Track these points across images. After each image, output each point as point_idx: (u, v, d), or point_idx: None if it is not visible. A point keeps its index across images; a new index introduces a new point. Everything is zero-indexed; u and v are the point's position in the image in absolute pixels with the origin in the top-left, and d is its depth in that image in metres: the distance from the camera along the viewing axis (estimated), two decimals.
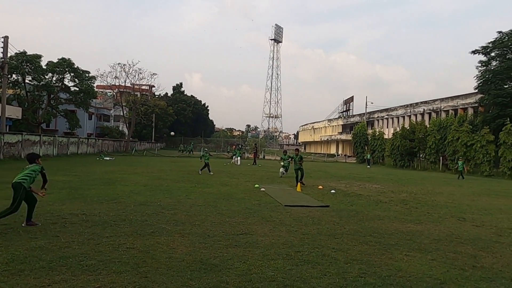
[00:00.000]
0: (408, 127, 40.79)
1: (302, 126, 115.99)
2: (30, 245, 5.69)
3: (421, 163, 38.80)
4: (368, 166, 39.20)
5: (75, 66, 40.34)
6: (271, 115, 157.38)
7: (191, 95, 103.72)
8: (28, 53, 36.22)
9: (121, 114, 63.34)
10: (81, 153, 37.70)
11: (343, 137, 73.76)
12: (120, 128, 70.87)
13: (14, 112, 33.89)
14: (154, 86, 76.97)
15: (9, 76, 33.87)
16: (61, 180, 14.76)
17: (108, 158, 33.22)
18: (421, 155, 39.09)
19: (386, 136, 47.20)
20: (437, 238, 7.33)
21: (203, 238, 6.54)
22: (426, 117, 49.50)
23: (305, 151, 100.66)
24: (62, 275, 4.53)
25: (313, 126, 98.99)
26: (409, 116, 53.86)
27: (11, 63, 32.59)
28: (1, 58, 25.96)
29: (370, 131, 54.17)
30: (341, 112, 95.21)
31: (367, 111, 65.12)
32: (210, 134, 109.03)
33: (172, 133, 78.80)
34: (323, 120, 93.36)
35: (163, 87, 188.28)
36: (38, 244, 5.76)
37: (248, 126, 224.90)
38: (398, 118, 57.68)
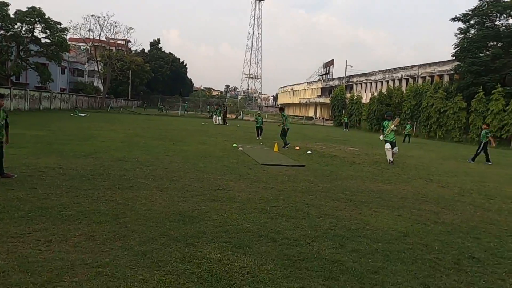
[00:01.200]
0: (385, 92, 41.36)
1: (281, 88, 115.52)
2: (7, 196, 5.71)
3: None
4: (345, 130, 39.90)
5: (46, 17, 38.17)
6: (251, 76, 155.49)
7: (169, 52, 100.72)
8: None
9: (96, 69, 61.14)
10: (54, 109, 36.62)
11: (322, 100, 74.06)
12: (95, 84, 68.64)
13: None
14: (130, 41, 73.81)
15: None
16: (35, 134, 14.46)
17: (83, 115, 32.46)
18: None
19: (364, 101, 47.76)
20: (404, 197, 7.76)
21: (182, 193, 6.70)
22: (404, 82, 50.08)
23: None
24: (42, 224, 4.62)
25: (292, 89, 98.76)
26: (387, 82, 54.35)
27: None
28: None
29: (348, 95, 54.61)
30: (320, 75, 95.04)
31: (347, 75, 65.25)
32: (188, 93, 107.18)
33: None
34: (303, 83, 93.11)
35: (140, 43, 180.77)
36: (15, 195, 5.77)
37: (227, 86, 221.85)
38: (376, 83, 58.13)
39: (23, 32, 38.32)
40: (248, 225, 5.14)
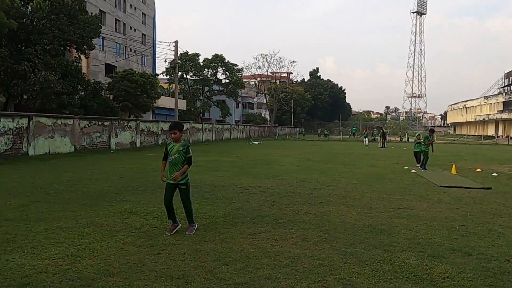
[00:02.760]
0: None
1: (451, 105, 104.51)
2: (232, 206, 7.45)
3: None
4: None
5: (226, 61, 45.06)
6: (414, 95, 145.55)
7: (328, 79, 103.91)
8: (189, 52, 42.05)
9: (263, 101, 68.00)
10: (233, 138, 42.29)
11: (505, 116, 64.10)
12: (263, 115, 75.99)
13: (181, 104, 39.99)
14: (291, 73, 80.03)
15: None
16: (228, 160, 17.39)
17: (256, 143, 36.57)
18: None
19: None
20: None
21: (367, 210, 7.40)
22: None
23: (454, 133, 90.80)
24: (265, 228, 5.99)
25: (465, 105, 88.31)
26: None
27: (179, 63, 38.47)
28: (173, 59, 31.03)
29: None
30: (501, 87, 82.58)
31: None
32: (347, 118, 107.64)
33: None
34: (478, 98, 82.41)
35: (302, 74, 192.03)
36: (236, 206, 7.48)
37: (387, 107, 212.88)
38: None
39: (209, 76, 46.03)
40: (439, 240, 5.47)
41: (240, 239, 5.35)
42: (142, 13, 53.31)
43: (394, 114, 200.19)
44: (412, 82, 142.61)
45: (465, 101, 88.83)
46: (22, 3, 20.42)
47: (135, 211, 6.86)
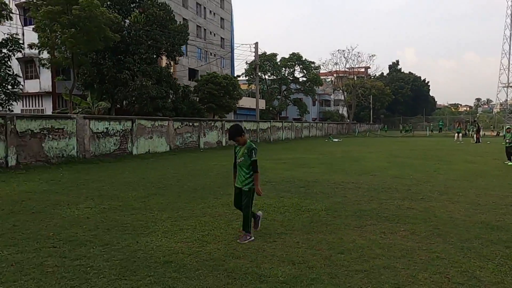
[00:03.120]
0: None
1: None
2: (330, 201, 7.61)
3: None
4: None
5: (303, 59, 45.08)
6: (510, 85, 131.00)
7: (409, 72, 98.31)
8: (267, 53, 42.88)
9: (340, 98, 66.71)
10: (311, 136, 42.20)
11: None
12: (340, 112, 74.49)
13: (260, 104, 40.93)
14: (369, 68, 77.18)
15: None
16: (312, 157, 17.52)
17: (336, 140, 36.10)
18: None
19: None
20: None
21: (475, 206, 7.06)
22: None
23: None
24: (370, 221, 6.07)
25: None
26: None
27: (259, 64, 39.48)
28: (253, 60, 31.97)
29: None
30: None
31: None
32: (431, 112, 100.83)
33: None
34: None
35: (381, 68, 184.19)
36: (335, 200, 7.62)
37: (478, 99, 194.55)
38: None
39: (286, 75, 46.44)
40: None
41: (347, 231, 5.52)
42: (221, 17, 55.65)
43: (487, 106, 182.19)
44: (508, 71, 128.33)
45: None
46: (121, 17, 22.60)
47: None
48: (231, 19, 64.61)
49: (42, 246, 4.84)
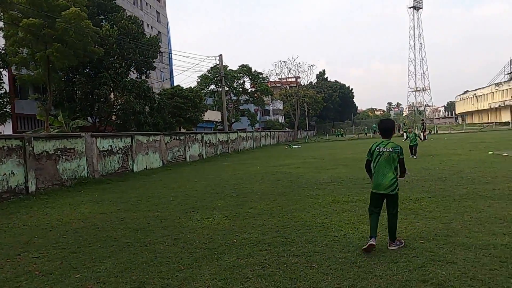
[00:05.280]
0: None
1: (459, 95, 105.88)
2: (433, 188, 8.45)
3: None
4: None
5: (253, 71, 46.28)
6: (418, 89, 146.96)
7: (335, 80, 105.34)
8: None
9: (278, 107, 69.41)
10: (268, 144, 43.32)
11: None
12: (280, 121, 77.14)
13: (216, 115, 41.12)
14: (299, 77, 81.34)
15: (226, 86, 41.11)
16: (311, 162, 18.39)
17: (296, 146, 37.60)
18: None
19: None
20: None
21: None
22: None
23: (464, 122, 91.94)
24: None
25: (475, 94, 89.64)
26: None
27: (216, 76, 39.73)
28: (218, 73, 32.23)
29: None
30: (509, 74, 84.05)
31: None
32: (354, 117, 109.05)
33: None
34: (488, 86, 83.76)
35: (309, 78, 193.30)
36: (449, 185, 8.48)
37: (390, 104, 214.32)
38: None
39: (235, 86, 47.20)
40: None
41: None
42: (158, 31, 54.86)
43: (397, 109, 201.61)
44: (415, 76, 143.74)
45: (475, 90, 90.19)
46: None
47: (340, 200, 7.85)
48: (168, 33, 63.99)
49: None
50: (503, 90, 75.96)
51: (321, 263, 4.32)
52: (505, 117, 72.41)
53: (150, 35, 27.49)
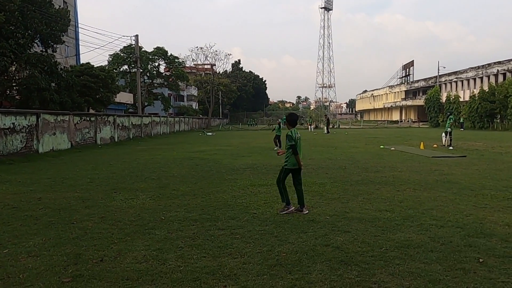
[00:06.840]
0: (488, 89, 41.77)
1: (359, 94, 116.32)
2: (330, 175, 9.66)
3: (502, 124, 39.76)
4: (462, 129, 39.08)
5: (169, 54, 45.23)
6: (324, 85, 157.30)
7: (249, 71, 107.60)
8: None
9: (192, 93, 68.94)
10: (181, 130, 43.05)
11: (409, 103, 74.73)
12: (194, 107, 76.60)
13: (128, 98, 39.51)
14: (215, 65, 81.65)
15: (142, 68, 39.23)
16: (227, 149, 19.12)
17: (210, 134, 38.07)
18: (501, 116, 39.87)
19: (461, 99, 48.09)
20: None
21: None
22: (500, 78, 49.51)
23: (362, 119, 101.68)
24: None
25: (372, 94, 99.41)
26: (481, 78, 53.89)
27: (130, 57, 37.94)
28: (133, 53, 30.94)
29: (444, 95, 55.21)
30: (400, 78, 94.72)
31: (433, 74, 65.30)
32: (266, 108, 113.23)
33: None
34: (384, 87, 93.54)
35: (225, 66, 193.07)
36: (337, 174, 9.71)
37: (299, 97, 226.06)
38: (468, 80, 57.64)
39: (149, 68, 45.75)
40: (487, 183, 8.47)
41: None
42: (64, 1, 50.25)
43: (305, 103, 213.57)
44: (323, 73, 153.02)
45: (373, 90, 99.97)
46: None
47: (256, 183, 8.69)
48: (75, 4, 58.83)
49: None
50: (395, 92, 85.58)
51: (244, 235, 5.00)
52: (395, 116, 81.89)
53: (60, 6, 25.30)
